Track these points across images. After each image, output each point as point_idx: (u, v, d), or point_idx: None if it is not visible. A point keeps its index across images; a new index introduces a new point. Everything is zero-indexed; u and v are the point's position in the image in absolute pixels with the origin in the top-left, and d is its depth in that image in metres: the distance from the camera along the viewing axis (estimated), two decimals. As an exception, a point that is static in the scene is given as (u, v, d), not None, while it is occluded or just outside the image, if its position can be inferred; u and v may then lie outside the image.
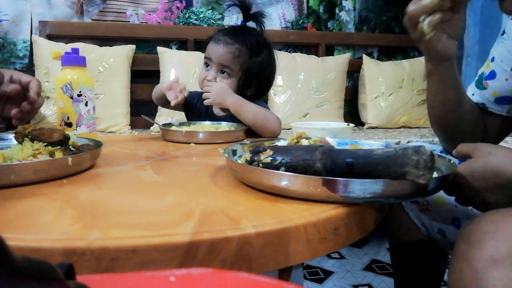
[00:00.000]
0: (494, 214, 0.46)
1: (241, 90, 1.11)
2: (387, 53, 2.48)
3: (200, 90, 1.19)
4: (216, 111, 1.17)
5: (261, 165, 0.49)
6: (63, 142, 0.61)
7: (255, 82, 1.12)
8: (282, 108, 2.03)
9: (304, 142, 0.61)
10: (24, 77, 0.77)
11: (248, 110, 1.04)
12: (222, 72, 1.09)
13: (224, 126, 1.05)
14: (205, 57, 1.11)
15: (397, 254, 0.90)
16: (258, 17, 1.14)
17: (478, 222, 0.46)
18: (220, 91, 1.05)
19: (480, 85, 0.79)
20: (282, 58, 2.10)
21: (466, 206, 0.58)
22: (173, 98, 1.05)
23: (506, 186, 0.51)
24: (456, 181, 0.52)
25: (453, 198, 0.57)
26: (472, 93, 0.80)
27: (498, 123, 0.77)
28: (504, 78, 0.75)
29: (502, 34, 0.77)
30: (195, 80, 1.93)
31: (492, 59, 0.78)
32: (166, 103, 1.15)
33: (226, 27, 1.13)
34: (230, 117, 1.12)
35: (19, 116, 0.76)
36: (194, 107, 1.19)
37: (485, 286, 0.39)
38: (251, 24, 1.15)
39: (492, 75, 0.77)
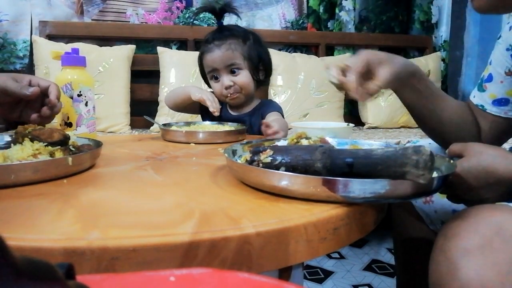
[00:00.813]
0: (469, 210, 0.49)
1: (255, 77, 1.13)
2: (387, 53, 2.48)
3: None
4: (231, 111, 1.18)
5: (261, 165, 0.49)
6: (63, 142, 0.61)
7: (261, 64, 1.14)
8: (282, 108, 2.03)
9: (304, 142, 0.61)
10: (43, 82, 0.77)
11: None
12: (233, 72, 1.10)
13: (224, 126, 1.05)
14: (209, 71, 1.12)
15: (401, 248, 0.91)
16: (227, 8, 1.15)
17: (455, 218, 0.50)
18: (284, 125, 1.01)
19: (480, 88, 0.81)
20: (282, 58, 2.10)
21: (458, 204, 0.60)
22: (215, 109, 1.03)
23: (497, 184, 0.53)
24: (449, 179, 0.53)
25: None
26: (474, 95, 0.82)
27: (497, 125, 0.79)
28: (500, 80, 0.77)
29: (499, 38, 0.79)
30: (195, 80, 1.93)
31: (490, 62, 0.80)
32: (185, 109, 1.15)
33: (208, 35, 1.14)
34: (248, 115, 1.14)
35: (39, 121, 0.75)
36: (208, 111, 1.20)
37: (459, 274, 0.43)
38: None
39: (490, 78, 0.79)
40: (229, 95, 1.10)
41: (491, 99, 0.78)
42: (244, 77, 1.10)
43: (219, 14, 1.14)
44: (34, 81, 0.76)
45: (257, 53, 1.12)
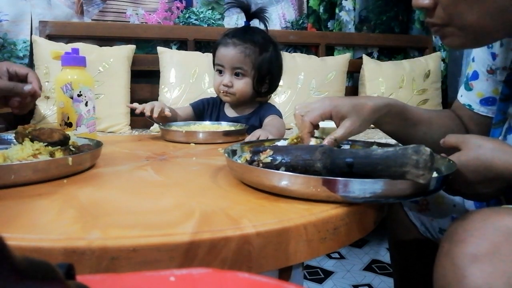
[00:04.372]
0: (475, 214, 0.47)
1: (256, 88, 1.13)
2: (387, 53, 2.48)
3: (207, 97, 1.24)
4: (230, 112, 1.19)
5: (261, 165, 0.49)
6: (63, 142, 0.61)
7: (268, 78, 1.13)
8: (282, 108, 2.02)
9: (312, 141, 0.60)
10: (21, 69, 0.77)
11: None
12: (237, 75, 1.10)
13: (224, 126, 1.05)
14: (217, 64, 1.13)
15: (396, 254, 0.90)
16: (259, 14, 1.15)
17: (461, 221, 0.47)
18: (280, 125, 1.05)
19: (467, 86, 0.79)
20: (282, 58, 2.10)
21: (454, 196, 0.59)
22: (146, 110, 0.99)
23: (496, 179, 0.51)
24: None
25: (452, 197, 0.57)
26: (461, 94, 0.80)
27: (486, 126, 0.76)
28: (485, 78, 0.75)
29: None
30: (195, 80, 1.93)
31: (473, 59, 0.78)
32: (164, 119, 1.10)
33: (231, 30, 1.15)
34: (245, 117, 1.15)
35: (19, 107, 0.77)
36: (206, 114, 1.21)
37: (466, 281, 0.41)
38: (254, 23, 1.17)
39: (475, 75, 0.77)
40: (222, 91, 1.11)
41: (479, 98, 0.76)
42: (242, 84, 1.10)
43: (250, 16, 1.14)
44: (11, 69, 0.77)
45: (268, 67, 1.11)
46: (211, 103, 1.23)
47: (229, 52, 1.08)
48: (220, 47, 1.11)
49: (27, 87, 0.73)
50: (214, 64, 1.16)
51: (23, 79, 0.77)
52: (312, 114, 0.61)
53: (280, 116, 1.14)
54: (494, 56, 0.73)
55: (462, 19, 0.57)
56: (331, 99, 0.62)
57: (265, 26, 1.16)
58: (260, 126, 1.11)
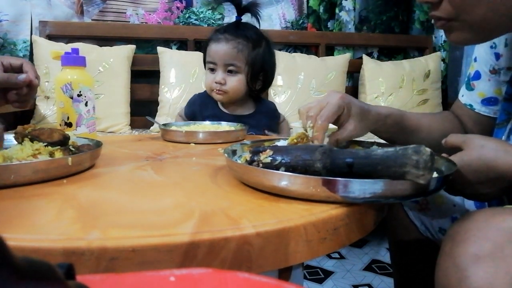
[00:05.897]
0: (478, 214, 0.47)
1: (250, 85, 1.11)
2: (387, 53, 2.48)
3: (192, 97, 1.20)
4: (229, 110, 1.16)
5: (261, 165, 0.49)
6: (63, 142, 0.61)
7: (262, 74, 1.12)
8: (282, 108, 2.03)
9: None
10: (15, 61, 0.76)
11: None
12: (230, 72, 1.08)
13: (224, 126, 1.05)
14: (208, 62, 1.10)
15: (396, 253, 0.90)
16: (251, 8, 1.13)
17: (463, 221, 0.47)
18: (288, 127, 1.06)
19: (468, 86, 0.79)
20: (282, 58, 2.10)
21: (456, 196, 0.59)
22: None
23: (498, 179, 0.51)
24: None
25: (452, 197, 0.57)
26: (462, 94, 0.80)
27: (486, 127, 0.76)
28: (487, 78, 0.75)
29: None
30: (195, 80, 1.93)
31: (475, 59, 0.78)
32: None
33: (222, 26, 1.13)
34: (249, 116, 1.14)
35: (18, 100, 0.75)
36: (198, 115, 1.17)
37: (468, 282, 0.41)
38: (248, 19, 1.15)
39: (477, 75, 0.77)
40: (215, 90, 1.09)
41: (480, 98, 0.76)
42: (236, 82, 1.08)
43: (241, 10, 1.12)
44: (5, 62, 0.75)
45: (262, 63, 1.09)
46: (198, 103, 1.18)
47: (221, 48, 1.06)
48: (212, 43, 1.08)
49: (21, 77, 0.72)
50: (205, 63, 1.13)
51: (19, 71, 0.75)
52: (329, 113, 0.59)
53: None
54: (498, 56, 0.73)
55: (468, 14, 0.56)
56: (342, 95, 0.61)
57: (258, 20, 1.14)
58: (267, 123, 1.10)
